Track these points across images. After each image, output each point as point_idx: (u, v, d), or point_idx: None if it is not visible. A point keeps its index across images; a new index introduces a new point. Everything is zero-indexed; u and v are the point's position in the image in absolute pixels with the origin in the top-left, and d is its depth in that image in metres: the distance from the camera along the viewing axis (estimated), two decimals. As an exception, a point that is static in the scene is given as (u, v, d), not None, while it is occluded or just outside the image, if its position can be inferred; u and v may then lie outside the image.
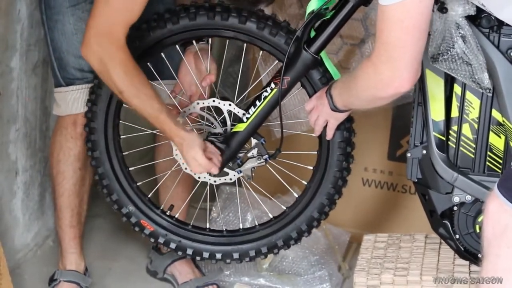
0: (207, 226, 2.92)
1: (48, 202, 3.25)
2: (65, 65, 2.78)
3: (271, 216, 2.88)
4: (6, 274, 2.62)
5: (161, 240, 2.87)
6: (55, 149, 2.84)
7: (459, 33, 2.29)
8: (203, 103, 2.69)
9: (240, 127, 2.63)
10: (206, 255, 2.84)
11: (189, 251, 2.85)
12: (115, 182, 2.76)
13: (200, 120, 2.73)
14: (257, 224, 2.90)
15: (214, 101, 2.69)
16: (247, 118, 2.61)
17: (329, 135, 2.59)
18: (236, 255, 2.83)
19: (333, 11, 2.52)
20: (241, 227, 2.92)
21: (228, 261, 2.86)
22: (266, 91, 2.59)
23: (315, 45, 2.51)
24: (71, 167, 2.77)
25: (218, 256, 2.84)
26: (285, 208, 2.82)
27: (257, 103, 2.59)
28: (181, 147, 2.61)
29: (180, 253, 2.90)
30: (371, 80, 2.20)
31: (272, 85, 2.57)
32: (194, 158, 2.59)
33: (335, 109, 2.46)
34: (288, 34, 2.62)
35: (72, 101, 2.79)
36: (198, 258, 2.91)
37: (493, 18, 2.32)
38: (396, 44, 2.05)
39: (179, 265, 3.08)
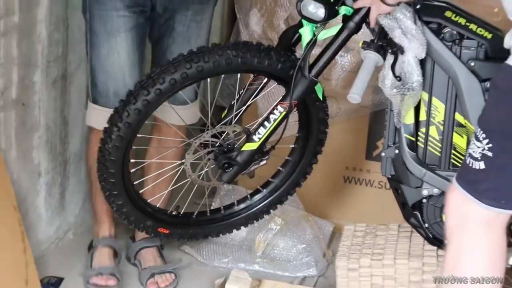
0: (208, 214, 2.88)
1: (67, 201, 3.25)
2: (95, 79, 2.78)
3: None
4: (32, 263, 2.62)
5: (176, 237, 2.89)
6: (91, 138, 2.89)
7: None
8: (212, 131, 2.64)
9: (253, 146, 2.58)
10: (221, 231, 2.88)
11: (201, 235, 2.88)
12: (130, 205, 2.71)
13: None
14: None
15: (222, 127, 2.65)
16: (259, 138, 2.57)
17: (371, 22, 2.40)
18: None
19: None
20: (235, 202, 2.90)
21: (235, 229, 2.90)
22: (274, 114, 2.54)
23: (315, 70, 2.49)
24: None
25: (225, 231, 2.88)
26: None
27: (267, 124, 2.56)
28: None
29: (195, 238, 2.93)
30: None
31: (281, 109, 2.53)
32: None
33: None
34: (285, 62, 2.57)
35: (97, 116, 2.80)
36: (214, 236, 2.93)
37: (455, 32, 2.35)
38: None
39: (144, 252, 3.06)
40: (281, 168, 2.86)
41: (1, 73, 2.67)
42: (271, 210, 2.90)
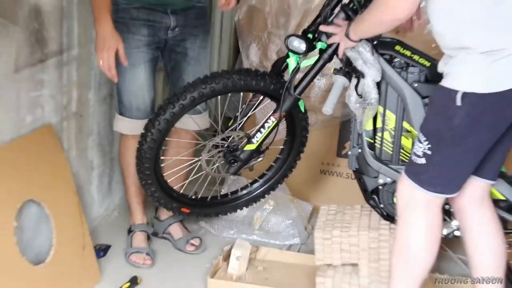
0: (219, 198, 2.89)
1: (113, 187, 3.25)
2: (121, 96, 2.75)
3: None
4: (87, 234, 2.65)
5: (195, 215, 2.92)
6: (122, 142, 2.86)
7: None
8: (222, 136, 2.65)
9: (252, 147, 2.59)
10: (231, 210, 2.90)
11: (213, 213, 2.91)
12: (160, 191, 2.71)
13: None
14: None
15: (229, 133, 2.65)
16: (257, 141, 2.58)
17: (340, 54, 2.38)
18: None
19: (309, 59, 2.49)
20: (239, 189, 2.92)
21: (239, 209, 2.92)
22: (268, 122, 2.55)
23: (298, 90, 2.49)
24: (132, 161, 2.69)
25: (232, 210, 2.91)
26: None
27: (262, 130, 2.56)
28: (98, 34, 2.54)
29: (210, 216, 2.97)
30: (380, 5, 2.02)
31: (273, 119, 2.53)
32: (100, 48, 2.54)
33: (347, 35, 2.28)
34: (276, 84, 2.57)
35: (127, 126, 2.78)
36: (223, 214, 2.92)
37: (402, 62, 2.35)
38: None
39: (173, 227, 3.02)
40: (273, 164, 2.88)
41: (64, 92, 2.67)
42: (266, 195, 2.91)
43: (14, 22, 2.28)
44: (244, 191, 2.91)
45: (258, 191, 2.90)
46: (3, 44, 2.24)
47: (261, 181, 2.89)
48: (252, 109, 2.67)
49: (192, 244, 2.98)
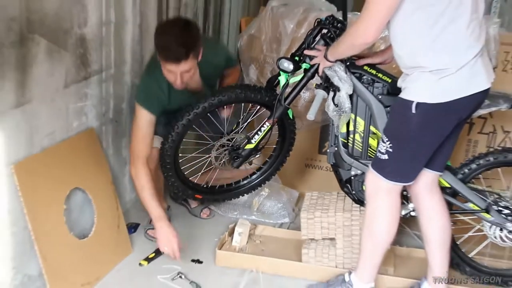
0: (225, 187, 2.87)
1: None
2: None
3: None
4: (121, 215, 2.65)
5: (206, 200, 2.93)
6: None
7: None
8: (227, 137, 2.65)
9: (251, 146, 2.59)
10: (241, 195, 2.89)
11: (221, 199, 2.89)
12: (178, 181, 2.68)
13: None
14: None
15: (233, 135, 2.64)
16: (255, 141, 2.58)
17: (320, 72, 2.36)
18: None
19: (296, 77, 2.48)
20: (241, 180, 2.88)
21: (241, 196, 2.90)
22: (263, 127, 2.55)
23: (287, 101, 2.49)
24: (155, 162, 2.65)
25: (236, 196, 2.89)
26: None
27: (259, 133, 2.56)
28: (156, 227, 2.49)
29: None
30: (352, 32, 2.00)
31: (268, 124, 2.54)
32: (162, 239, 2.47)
33: (326, 57, 2.26)
34: (270, 96, 2.56)
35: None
36: (229, 199, 2.91)
37: (369, 78, 2.33)
38: (372, 12, 1.89)
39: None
40: (268, 160, 2.87)
41: (103, 103, 2.66)
42: (262, 184, 2.90)
43: (64, 48, 2.28)
44: (245, 181, 2.90)
45: (256, 181, 2.88)
46: (56, 66, 2.24)
47: (258, 173, 2.89)
48: (251, 116, 2.67)
49: (205, 213, 3.01)
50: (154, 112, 2.49)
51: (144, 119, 2.48)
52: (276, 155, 2.85)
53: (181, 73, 2.34)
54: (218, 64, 2.70)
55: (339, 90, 2.30)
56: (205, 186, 2.81)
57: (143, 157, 2.49)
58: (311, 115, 2.36)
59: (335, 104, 2.33)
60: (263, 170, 2.88)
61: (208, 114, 2.53)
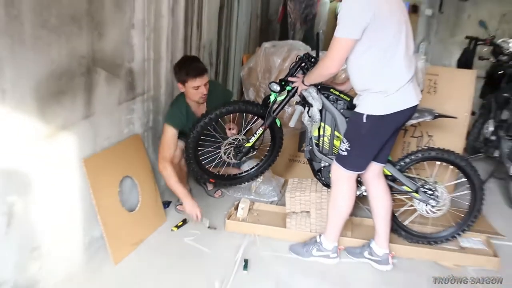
0: (238, 175, 2.84)
1: None
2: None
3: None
4: (158, 195, 2.64)
5: (218, 184, 2.86)
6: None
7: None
8: (235, 136, 2.61)
9: (249, 145, 2.56)
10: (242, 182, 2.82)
11: (229, 184, 2.82)
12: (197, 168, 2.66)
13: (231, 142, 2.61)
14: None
15: (237, 135, 2.60)
16: (251, 141, 2.55)
17: (298, 93, 2.33)
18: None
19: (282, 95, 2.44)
20: (244, 171, 2.85)
21: (251, 180, 2.84)
22: (258, 131, 2.52)
23: (275, 113, 2.47)
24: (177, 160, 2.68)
25: (240, 183, 2.81)
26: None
27: (255, 135, 2.54)
28: (184, 202, 2.52)
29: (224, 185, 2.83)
30: (321, 65, 2.00)
31: (261, 129, 2.51)
32: (189, 209, 2.51)
33: (303, 82, 2.26)
34: (264, 110, 2.52)
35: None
36: (235, 185, 2.83)
37: (334, 97, 2.32)
38: (335, 52, 1.89)
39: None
40: (263, 158, 2.84)
41: (145, 116, 2.64)
42: (259, 175, 2.87)
43: (118, 77, 2.29)
44: (247, 173, 2.87)
45: (254, 173, 2.86)
46: (112, 89, 2.25)
47: (256, 167, 2.87)
48: (251, 124, 2.63)
49: (217, 193, 2.98)
50: (176, 128, 2.55)
51: (170, 133, 2.54)
52: (269, 155, 2.81)
53: (204, 85, 2.49)
54: (217, 95, 2.68)
55: (312, 106, 2.32)
56: (217, 173, 2.79)
57: (168, 158, 2.52)
58: (292, 124, 2.39)
59: (309, 116, 2.35)
60: (259, 166, 2.84)
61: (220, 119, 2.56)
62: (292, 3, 5.42)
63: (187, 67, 2.50)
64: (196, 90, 2.51)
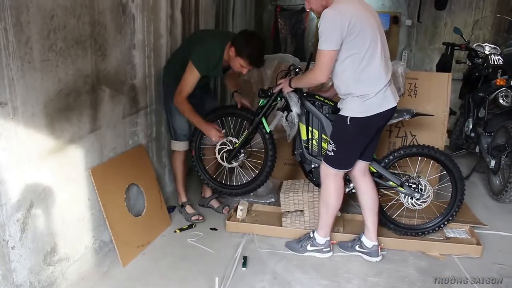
0: (234, 183, 2.79)
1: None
2: (175, 131, 2.62)
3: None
4: (163, 201, 2.63)
5: (216, 190, 2.70)
6: (173, 155, 2.68)
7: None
8: (229, 139, 2.57)
9: (236, 145, 2.52)
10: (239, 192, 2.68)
11: (233, 192, 2.68)
12: (202, 172, 2.67)
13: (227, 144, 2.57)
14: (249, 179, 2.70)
15: (231, 138, 2.57)
16: (238, 142, 2.52)
17: (285, 91, 2.32)
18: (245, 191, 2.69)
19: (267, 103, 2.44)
20: (244, 181, 2.74)
21: (246, 193, 2.69)
22: (244, 133, 2.51)
23: (260, 115, 2.46)
24: (180, 161, 2.68)
25: (240, 192, 2.67)
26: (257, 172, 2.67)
27: (241, 137, 2.52)
28: (201, 128, 2.46)
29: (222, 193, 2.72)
30: (310, 75, 2.03)
31: (246, 132, 2.51)
32: (207, 132, 2.46)
33: (289, 84, 2.26)
34: (252, 114, 2.52)
35: (179, 146, 2.64)
36: (236, 196, 2.71)
37: (320, 103, 2.33)
38: (322, 63, 1.93)
39: (213, 201, 2.84)
40: (260, 167, 2.69)
41: (149, 128, 2.64)
42: (258, 188, 2.70)
43: (122, 93, 2.31)
44: (246, 187, 2.71)
45: (254, 186, 2.67)
46: (116, 104, 2.27)
47: (255, 182, 2.67)
48: (243, 128, 2.62)
49: (226, 209, 2.80)
50: (201, 73, 2.36)
51: (194, 75, 2.35)
52: (264, 162, 2.61)
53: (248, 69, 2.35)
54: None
55: (291, 111, 2.34)
56: (222, 182, 2.74)
57: (186, 94, 2.36)
58: (271, 127, 2.43)
59: (286, 120, 2.37)
60: (258, 175, 2.65)
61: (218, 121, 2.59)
62: (282, 19, 5.50)
63: (254, 53, 2.28)
64: (241, 67, 2.33)
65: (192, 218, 2.68)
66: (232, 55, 2.33)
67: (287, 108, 2.38)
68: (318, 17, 1.95)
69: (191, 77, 2.36)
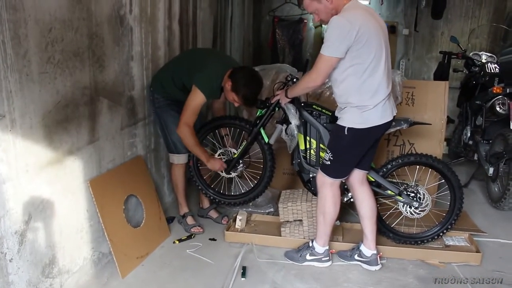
0: (232, 193, 2.81)
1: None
2: (176, 144, 2.55)
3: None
4: (162, 212, 2.62)
5: (214, 199, 2.71)
6: (174, 168, 2.66)
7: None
8: (227, 150, 2.61)
9: (235, 155, 2.55)
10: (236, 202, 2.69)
11: (231, 202, 2.69)
12: (200, 182, 2.68)
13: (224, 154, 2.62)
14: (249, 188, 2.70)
15: (231, 149, 2.60)
16: (237, 153, 2.56)
17: (282, 103, 2.32)
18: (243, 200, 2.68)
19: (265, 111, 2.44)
20: (242, 191, 2.74)
21: (241, 203, 2.69)
22: (243, 142, 2.52)
23: (258, 126, 2.48)
24: (181, 173, 2.66)
25: (239, 201, 2.67)
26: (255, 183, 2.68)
27: (240, 148, 2.54)
28: (207, 164, 2.48)
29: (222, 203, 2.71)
30: (307, 78, 2.00)
31: (245, 142, 2.52)
32: (212, 167, 2.50)
33: (285, 95, 2.26)
34: (251, 125, 2.53)
35: (181, 159, 2.60)
36: (236, 206, 2.70)
37: (317, 113, 2.34)
38: (320, 67, 1.93)
39: (212, 211, 2.82)
40: (258, 177, 2.70)
41: (147, 139, 2.64)
42: (257, 197, 2.73)
43: (120, 104, 2.32)
44: (247, 195, 2.73)
45: (252, 196, 2.70)
46: (114, 116, 2.28)
47: (254, 191, 2.69)
48: (241, 138, 2.64)
49: (225, 220, 2.78)
50: (206, 96, 2.32)
51: (200, 100, 2.30)
52: (263, 172, 2.63)
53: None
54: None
55: (290, 123, 2.35)
56: (216, 189, 2.75)
57: (190, 124, 2.33)
58: (272, 141, 2.44)
59: (286, 133, 2.39)
60: (258, 186, 2.67)
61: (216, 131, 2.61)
62: (280, 30, 5.55)
63: (249, 96, 2.31)
64: (234, 100, 2.35)
65: (192, 230, 2.66)
66: (228, 88, 2.33)
67: (286, 120, 2.39)
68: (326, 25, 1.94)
69: (196, 101, 2.31)
